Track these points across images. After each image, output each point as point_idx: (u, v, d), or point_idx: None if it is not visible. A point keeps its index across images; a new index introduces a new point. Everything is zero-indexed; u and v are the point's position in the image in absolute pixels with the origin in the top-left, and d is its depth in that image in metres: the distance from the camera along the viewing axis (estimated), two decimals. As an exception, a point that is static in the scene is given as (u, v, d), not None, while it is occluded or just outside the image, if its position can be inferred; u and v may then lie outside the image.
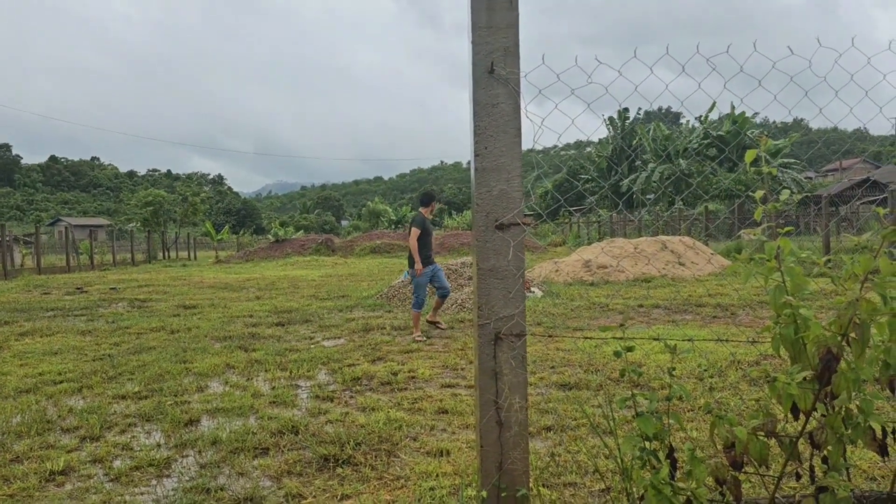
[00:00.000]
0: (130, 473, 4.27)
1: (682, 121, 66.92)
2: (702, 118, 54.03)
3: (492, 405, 2.65)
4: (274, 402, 5.90)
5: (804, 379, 2.26)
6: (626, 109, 60.49)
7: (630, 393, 2.63)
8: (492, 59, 2.56)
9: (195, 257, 44.73)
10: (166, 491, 3.99)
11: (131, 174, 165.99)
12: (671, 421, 2.57)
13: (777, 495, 2.57)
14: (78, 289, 18.89)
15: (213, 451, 4.65)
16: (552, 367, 6.87)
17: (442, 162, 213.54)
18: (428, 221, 9.39)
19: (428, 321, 9.08)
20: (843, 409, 2.29)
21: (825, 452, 2.38)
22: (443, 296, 9.39)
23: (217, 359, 7.83)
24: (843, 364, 2.23)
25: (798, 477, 2.51)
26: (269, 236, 44.18)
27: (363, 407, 5.67)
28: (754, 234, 2.64)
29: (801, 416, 2.32)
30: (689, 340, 2.84)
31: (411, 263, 9.29)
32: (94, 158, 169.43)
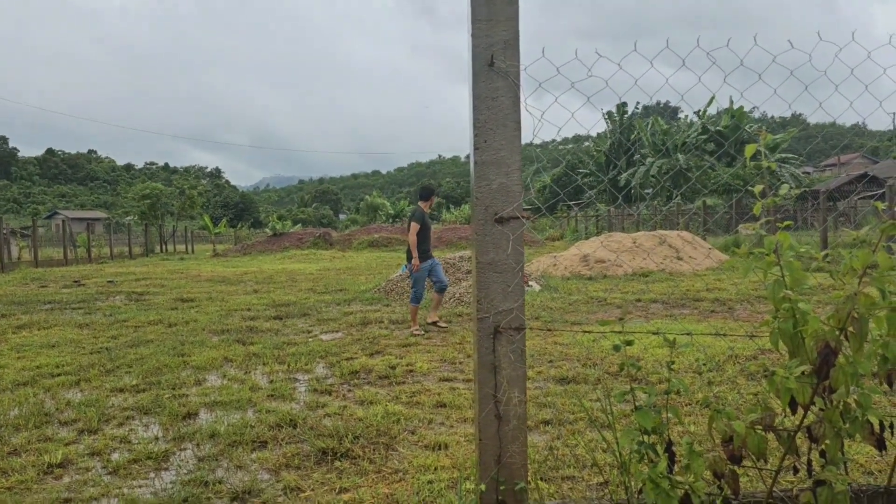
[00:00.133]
0: (129, 466, 4.27)
1: (681, 115, 66.85)
2: (700, 113, 53.99)
3: (490, 399, 2.65)
4: (272, 396, 5.90)
5: (802, 373, 2.26)
6: (625, 104, 60.42)
7: (629, 387, 2.64)
8: (492, 52, 2.55)
9: (193, 251, 44.68)
10: (164, 484, 3.99)
11: (128, 167, 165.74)
12: (669, 415, 2.57)
13: (775, 489, 2.58)
14: (75, 282, 18.87)
15: (211, 444, 4.65)
16: (550, 362, 6.88)
17: (440, 156, 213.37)
18: (427, 216, 9.38)
19: (428, 323, 9.01)
20: (842, 403, 2.29)
21: (823, 446, 2.39)
22: (440, 290, 9.39)
23: (215, 352, 7.82)
24: (841, 358, 2.23)
25: (796, 471, 2.52)
26: (267, 230, 44.16)
27: (361, 400, 5.68)
28: (753, 229, 2.64)
29: (800, 411, 2.32)
30: (687, 335, 2.84)
31: (410, 258, 9.28)
32: (91, 151, 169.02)
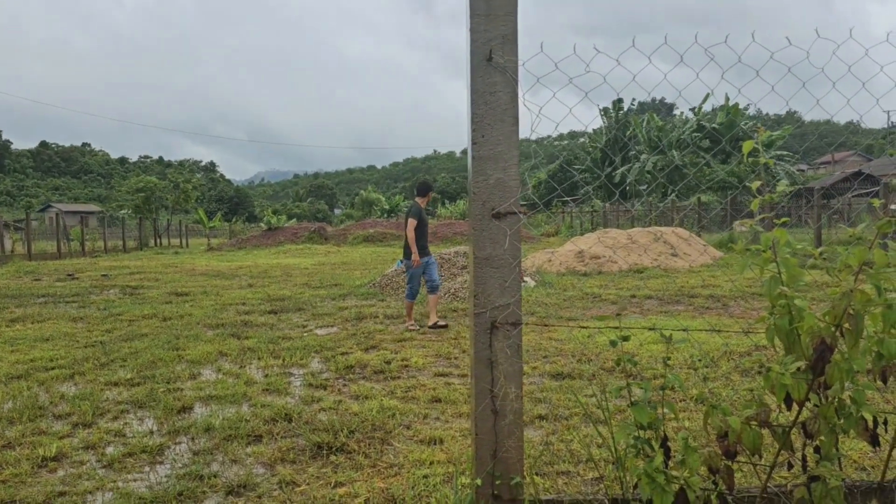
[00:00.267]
0: (123, 460, 4.27)
1: (676, 112, 66.92)
2: (696, 109, 54.03)
3: (487, 394, 2.66)
4: (267, 390, 5.90)
5: (798, 369, 2.27)
6: (621, 100, 60.45)
7: (625, 382, 2.64)
8: (490, 47, 2.55)
9: (187, 245, 44.57)
10: (159, 477, 3.99)
11: (122, 160, 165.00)
12: (665, 410, 2.58)
13: (769, 484, 2.59)
14: (69, 275, 18.81)
15: (206, 438, 4.65)
16: (545, 357, 6.90)
17: (435, 151, 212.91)
18: (424, 212, 9.34)
19: (429, 327, 8.91)
20: (837, 399, 2.30)
21: (818, 442, 2.40)
22: (432, 289, 9.23)
23: (210, 346, 7.81)
24: (836, 355, 2.25)
25: (790, 466, 2.53)
26: (262, 224, 44.09)
27: (356, 395, 5.68)
28: (749, 225, 2.65)
29: (794, 406, 2.33)
30: (683, 330, 2.85)
31: (406, 253, 9.25)
32: (85, 144, 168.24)
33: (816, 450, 2.43)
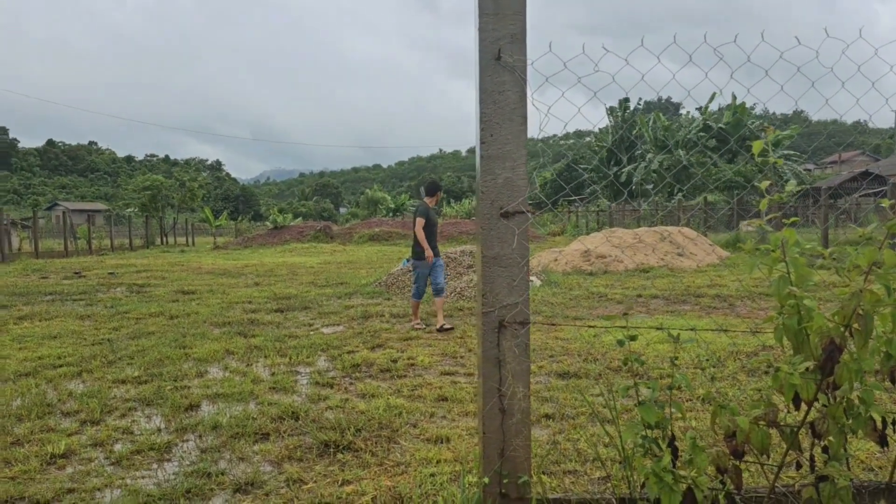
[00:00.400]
0: (131, 457, 4.28)
1: (682, 111, 66.75)
2: (702, 109, 53.90)
3: (495, 393, 2.66)
4: (274, 388, 5.92)
5: (807, 369, 2.27)
6: (627, 99, 60.36)
7: (632, 382, 2.64)
8: (499, 46, 2.55)
9: (193, 243, 44.69)
10: (167, 475, 4.00)
11: (129, 159, 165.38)
12: (672, 410, 2.58)
13: (777, 484, 2.59)
14: (76, 273, 18.88)
15: (213, 435, 4.66)
16: (551, 356, 6.90)
17: (441, 150, 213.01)
18: (432, 211, 9.28)
19: (437, 330, 8.82)
20: (846, 399, 2.30)
21: (826, 442, 2.40)
22: (437, 291, 9.18)
23: (216, 344, 7.84)
24: (845, 355, 2.24)
25: (798, 466, 2.53)
26: (268, 223, 44.12)
27: (363, 394, 5.69)
28: (758, 225, 2.65)
29: (803, 406, 2.33)
30: (691, 330, 2.85)
31: (415, 253, 9.18)
32: (91, 143, 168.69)
33: (824, 450, 2.43)
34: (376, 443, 4.44)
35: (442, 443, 4.40)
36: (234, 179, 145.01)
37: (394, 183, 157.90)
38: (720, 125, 49.25)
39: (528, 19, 2.60)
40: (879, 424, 2.38)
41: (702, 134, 50.35)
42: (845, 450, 2.39)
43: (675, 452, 2.49)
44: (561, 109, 2.76)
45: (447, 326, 8.73)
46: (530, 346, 2.71)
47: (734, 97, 49.83)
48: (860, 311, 2.22)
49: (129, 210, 53.32)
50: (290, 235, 38.02)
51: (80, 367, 6.77)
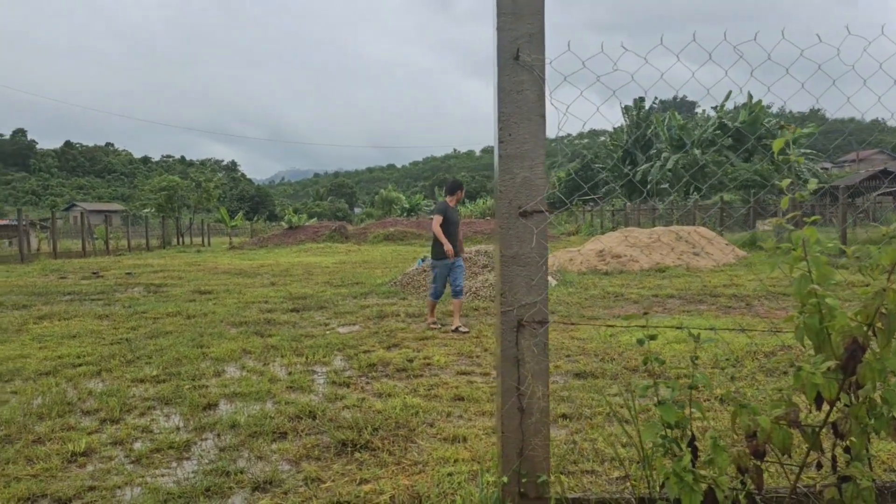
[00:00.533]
0: (151, 455, 4.32)
1: (698, 110, 66.37)
2: (718, 107, 53.55)
3: (513, 392, 2.66)
4: (291, 388, 5.94)
5: (828, 369, 2.25)
6: (642, 98, 60.06)
7: (649, 381, 2.63)
8: (517, 46, 2.55)
9: (209, 243, 44.95)
10: (186, 473, 4.04)
11: (145, 160, 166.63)
12: (692, 409, 2.57)
13: (798, 485, 2.57)
14: (94, 273, 19.05)
15: (231, 434, 4.69)
16: (567, 356, 6.88)
17: (455, 150, 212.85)
18: (451, 210, 9.18)
19: (451, 330, 8.78)
20: (868, 399, 2.28)
21: (847, 442, 2.38)
22: (455, 293, 9.14)
23: (233, 344, 7.88)
24: (868, 354, 2.22)
25: (819, 466, 2.51)
26: (283, 223, 44.32)
27: (379, 393, 5.71)
28: (777, 223, 2.63)
29: (824, 406, 2.31)
30: (711, 329, 2.84)
31: (435, 253, 9.13)
32: (108, 144, 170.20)
33: (846, 450, 2.41)
34: (393, 442, 4.45)
35: (459, 442, 4.41)
36: (250, 180, 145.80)
37: (408, 183, 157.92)
38: (736, 123, 48.91)
39: (545, 18, 2.60)
40: (902, 424, 2.36)
41: (717, 132, 50.03)
42: (867, 450, 2.37)
43: (694, 452, 2.48)
44: (576, 108, 2.75)
45: (463, 329, 8.66)
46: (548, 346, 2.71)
47: (750, 96, 49.47)
48: (883, 310, 2.20)
49: (145, 210, 53.67)
50: (305, 235, 38.16)
51: (100, 367, 6.83)
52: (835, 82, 2.62)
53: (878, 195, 36.93)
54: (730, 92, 39.01)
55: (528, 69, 2.57)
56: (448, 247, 8.89)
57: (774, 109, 51.84)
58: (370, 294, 12.90)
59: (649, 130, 57.66)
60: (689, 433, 2.52)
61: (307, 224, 42.48)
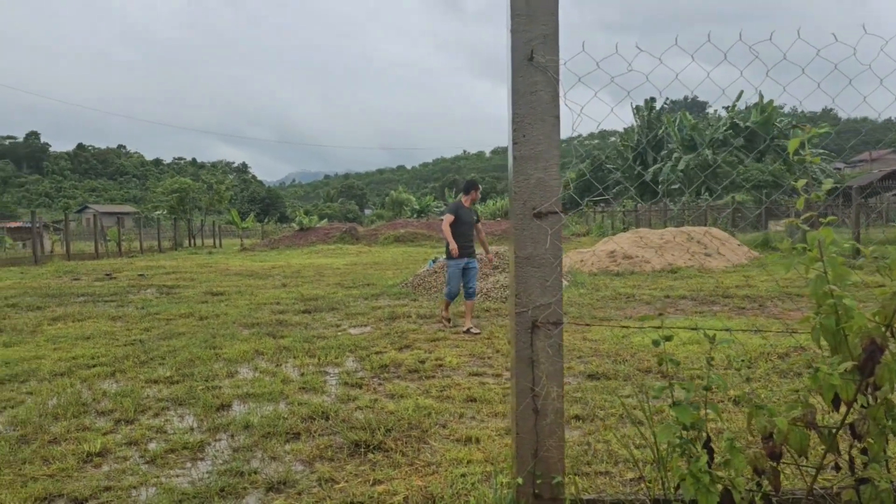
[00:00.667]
0: (165, 456, 4.34)
1: (709, 110, 66.12)
2: (730, 107, 53.30)
3: (528, 393, 2.66)
4: (303, 388, 5.96)
5: (846, 370, 2.24)
6: (653, 99, 59.86)
7: (663, 382, 2.63)
8: (531, 47, 2.56)
9: (220, 245, 45.14)
10: (201, 473, 4.05)
11: (157, 162, 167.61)
12: (707, 411, 2.56)
13: (814, 486, 2.56)
14: (107, 275, 19.17)
15: (245, 435, 4.71)
16: (580, 357, 6.87)
17: (465, 151, 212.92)
18: (465, 209, 9.14)
19: (462, 331, 8.75)
20: (886, 400, 2.27)
21: (865, 444, 2.37)
22: (468, 294, 9.14)
23: (246, 345, 7.91)
24: (886, 355, 2.21)
25: (838, 468, 2.50)
26: (294, 224, 44.47)
27: (392, 394, 5.71)
28: (791, 223, 2.62)
29: (842, 408, 2.30)
30: (726, 331, 2.83)
31: (448, 252, 9.17)
32: (120, 146, 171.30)
33: (863, 452, 2.40)
34: (406, 443, 4.45)
35: (472, 443, 4.41)
36: (260, 181, 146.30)
37: (418, 184, 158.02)
38: (748, 123, 48.69)
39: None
40: (920, 426, 2.35)
41: (729, 132, 49.81)
42: (885, 452, 2.35)
43: (710, 454, 2.47)
44: (588, 109, 2.75)
45: (474, 330, 8.65)
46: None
47: (761, 96, 49.23)
48: (901, 311, 2.19)
49: (157, 212, 53.99)
50: (315, 237, 38.27)
51: (114, 367, 6.87)
52: (851, 82, 2.60)
53: (893, 195, 36.64)
54: (741, 92, 38.86)
55: (543, 70, 2.57)
56: (453, 246, 8.87)
57: (787, 109, 51.53)
58: (381, 295, 12.91)
59: (660, 131, 57.48)
60: (705, 434, 2.51)
61: (318, 226, 42.60)
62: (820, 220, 2.52)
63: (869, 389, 2.26)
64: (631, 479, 3.66)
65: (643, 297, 11.54)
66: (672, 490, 2.68)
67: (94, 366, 6.99)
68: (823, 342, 2.39)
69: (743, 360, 6.27)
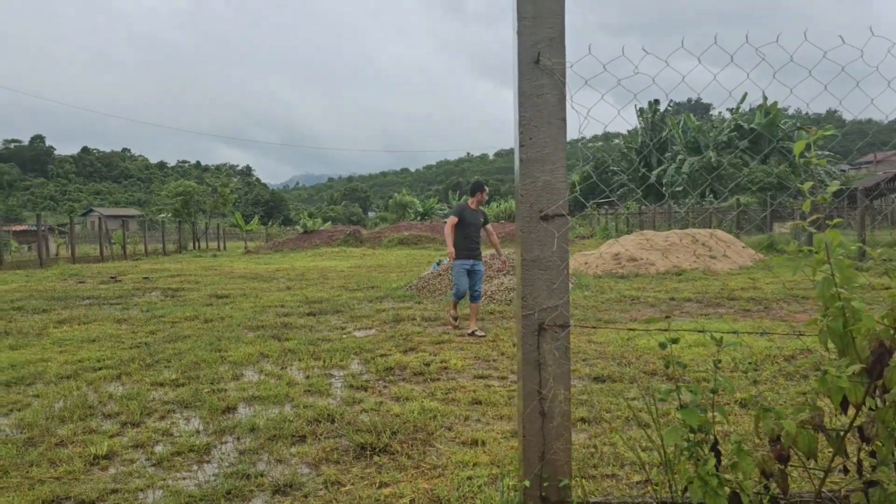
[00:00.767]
0: (172, 458, 4.35)
1: (714, 111, 66.08)
2: (734, 109, 53.26)
3: (535, 395, 2.66)
4: (309, 391, 5.96)
5: (854, 372, 2.24)
6: (657, 101, 59.86)
7: (670, 385, 2.63)
8: (538, 50, 2.56)
9: (225, 248, 45.20)
10: (207, 476, 4.06)
11: (161, 165, 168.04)
12: (715, 413, 2.56)
13: (823, 489, 2.55)
14: (112, 278, 19.21)
15: (251, 437, 4.71)
16: (585, 360, 6.86)
17: (468, 154, 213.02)
18: (470, 211, 9.09)
19: (468, 334, 8.73)
20: (894, 402, 2.26)
21: (873, 447, 2.36)
22: (473, 298, 9.09)
23: (251, 348, 7.92)
24: (895, 357, 2.21)
25: (846, 471, 2.49)
26: (298, 227, 44.56)
27: (397, 396, 5.71)
28: (796, 225, 2.62)
29: (850, 410, 2.30)
30: (734, 333, 2.82)
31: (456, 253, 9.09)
32: (125, 149, 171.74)
33: (872, 454, 2.39)
34: (412, 445, 4.45)
35: (478, 446, 4.40)
36: (264, 184, 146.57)
37: (422, 187, 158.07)
38: (752, 125, 48.63)
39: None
40: (929, 429, 2.34)
41: (734, 134, 49.75)
42: (894, 454, 2.35)
43: (717, 456, 2.47)
44: (593, 111, 2.75)
45: (479, 333, 8.64)
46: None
47: (765, 98, 49.19)
48: (910, 313, 2.19)
49: (162, 215, 54.12)
50: (319, 240, 38.31)
51: (119, 370, 6.89)
52: (858, 84, 2.60)
53: (897, 197, 36.55)
54: (745, 94, 38.82)
55: (549, 73, 2.58)
56: (450, 250, 8.86)
57: (792, 111, 51.49)
58: (385, 298, 12.92)
59: (664, 133, 57.45)
60: (713, 437, 2.51)
61: (322, 228, 42.66)
62: (826, 222, 2.52)
63: (877, 392, 2.25)
64: (638, 482, 3.65)
65: (648, 300, 11.53)
66: (679, 493, 2.67)
67: (100, 368, 7.00)
68: (831, 345, 2.39)
69: (749, 363, 6.26)
